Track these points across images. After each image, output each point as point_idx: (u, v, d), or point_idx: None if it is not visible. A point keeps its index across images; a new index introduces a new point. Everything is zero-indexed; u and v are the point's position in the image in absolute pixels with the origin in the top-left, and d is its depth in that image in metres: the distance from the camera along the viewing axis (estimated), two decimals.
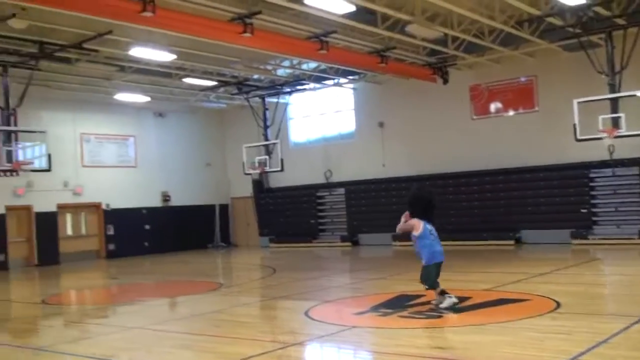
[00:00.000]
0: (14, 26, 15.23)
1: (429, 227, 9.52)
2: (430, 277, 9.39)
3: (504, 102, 22.20)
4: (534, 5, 16.18)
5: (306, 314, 9.90)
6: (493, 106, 22.39)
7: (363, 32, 17.67)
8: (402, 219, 9.70)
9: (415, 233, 9.46)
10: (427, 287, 9.52)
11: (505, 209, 21.75)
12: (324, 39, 16.97)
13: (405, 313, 9.42)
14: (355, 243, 24.80)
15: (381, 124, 24.73)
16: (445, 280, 9.76)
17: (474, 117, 22.74)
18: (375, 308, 9.98)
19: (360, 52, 18.89)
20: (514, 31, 17.74)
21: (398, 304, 10.24)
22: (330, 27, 16.70)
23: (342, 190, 25.82)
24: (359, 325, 8.80)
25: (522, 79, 21.77)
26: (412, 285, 12.70)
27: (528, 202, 21.43)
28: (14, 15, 14.46)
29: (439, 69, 21.46)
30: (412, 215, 9.59)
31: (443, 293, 9.34)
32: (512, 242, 21.08)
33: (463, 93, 22.50)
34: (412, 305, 9.99)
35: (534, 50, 20.27)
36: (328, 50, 17.11)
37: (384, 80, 24.18)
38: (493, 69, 21.91)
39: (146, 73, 21.34)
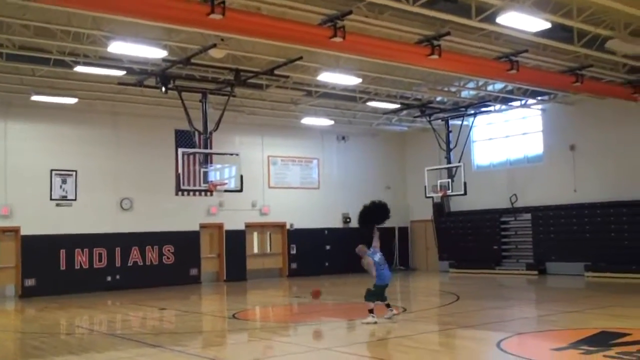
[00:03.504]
0: (214, 56, 16.17)
1: (377, 258, 12.29)
2: (373, 294, 12.12)
3: None
4: None
5: (499, 346, 9.39)
6: None
7: (556, 50, 16.76)
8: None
9: (372, 269, 12.18)
10: (366, 299, 12.13)
11: None
12: (513, 58, 16.31)
13: (611, 353, 8.61)
14: (542, 272, 23.44)
15: (572, 147, 23.29)
16: None
17: None
18: (575, 345, 9.23)
19: (552, 72, 17.94)
20: None
21: (601, 341, 9.41)
22: (521, 46, 16.01)
23: (528, 216, 24.60)
24: None
25: None
26: (613, 321, 11.75)
27: None
28: (214, 46, 15.36)
29: None
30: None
31: (371, 311, 11.91)
32: None
33: None
34: (617, 345, 9.14)
35: None
36: (518, 70, 16.39)
37: (575, 101, 22.81)
38: None
39: (331, 97, 21.81)
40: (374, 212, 11.67)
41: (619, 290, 17.89)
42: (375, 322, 11.80)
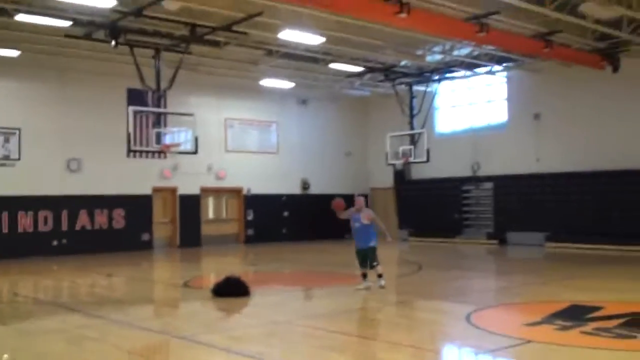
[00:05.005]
0: (168, 8, 15.12)
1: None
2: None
3: None
4: None
5: (468, 319, 8.84)
6: None
7: (527, 13, 16.13)
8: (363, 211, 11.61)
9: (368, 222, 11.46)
10: (376, 264, 11.31)
11: None
12: (484, 20, 15.65)
13: (587, 328, 8.12)
14: (503, 241, 23.16)
15: (537, 116, 22.88)
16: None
17: None
18: (548, 319, 8.73)
19: (522, 36, 17.34)
20: None
21: (575, 316, 8.93)
22: (492, 8, 15.34)
23: (490, 185, 24.23)
24: (535, 340, 7.61)
25: None
26: (581, 294, 11.35)
27: None
28: None
29: (609, 55, 19.42)
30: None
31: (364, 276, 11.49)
32: None
33: (636, 82, 20.21)
34: (592, 319, 8.68)
35: None
36: (488, 32, 15.76)
37: (541, 68, 22.32)
38: None
39: (292, 58, 20.87)
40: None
41: (581, 261, 17.64)
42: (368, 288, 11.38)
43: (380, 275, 11.36)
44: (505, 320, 9.24)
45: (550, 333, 8.02)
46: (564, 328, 8.22)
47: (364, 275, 11.57)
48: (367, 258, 11.46)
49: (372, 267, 11.40)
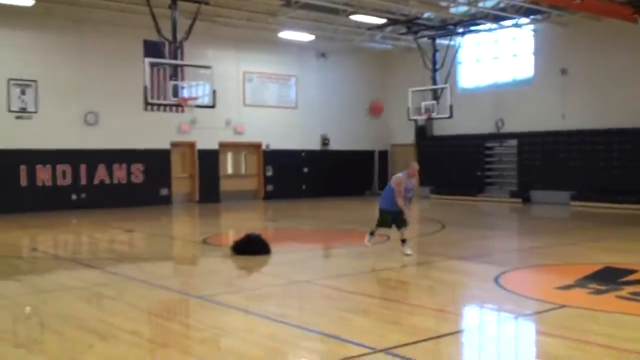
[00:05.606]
0: None
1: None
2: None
3: None
4: None
5: (497, 281, 8.51)
6: None
7: None
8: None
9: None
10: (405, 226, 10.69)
11: None
12: None
13: (623, 293, 7.77)
14: (526, 200, 22.69)
15: (564, 71, 22.15)
16: None
17: None
18: (581, 282, 8.37)
19: None
20: None
21: (608, 279, 8.56)
22: None
23: (514, 142, 23.64)
24: (569, 305, 7.25)
25: None
26: (612, 255, 10.97)
27: None
28: None
29: None
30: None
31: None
32: None
33: None
34: (627, 283, 8.33)
35: None
36: None
37: (569, 22, 21.52)
38: None
39: (312, 9, 20.27)
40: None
41: (609, 221, 17.18)
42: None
43: (404, 241, 10.70)
44: (535, 283, 8.89)
45: (584, 297, 7.66)
46: (599, 292, 7.86)
47: (372, 233, 11.23)
48: (393, 221, 10.76)
49: (398, 227, 10.74)
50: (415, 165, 10.88)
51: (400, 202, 10.58)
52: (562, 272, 9.40)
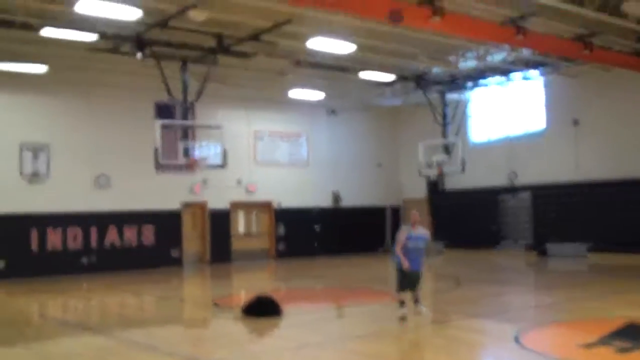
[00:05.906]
0: (195, 18, 14.69)
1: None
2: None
3: None
4: None
5: (517, 340, 8.19)
6: None
7: (565, 15, 15.44)
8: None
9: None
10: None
11: None
12: (520, 23, 14.99)
13: None
14: (542, 253, 22.29)
15: (576, 122, 22.06)
16: None
17: None
18: (605, 340, 8.04)
19: (561, 38, 16.62)
20: None
21: (633, 336, 8.22)
22: (529, 10, 14.68)
23: (527, 194, 23.41)
24: None
25: None
26: (636, 309, 10.60)
27: None
28: (194, 6, 13.93)
29: None
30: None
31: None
32: None
33: None
34: None
35: None
36: (525, 36, 15.09)
37: (579, 73, 21.51)
38: None
39: (321, 67, 20.39)
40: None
41: (628, 273, 16.78)
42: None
43: (417, 300, 10.15)
44: (558, 341, 8.56)
45: (610, 356, 7.34)
46: (624, 350, 7.54)
47: (402, 302, 10.10)
48: (416, 282, 10.20)
49: (414, 290, 10.17)
50: (414, 213, 10.46)
51: (398, 249, 10.07)
52: (584, 328, 9.07)
